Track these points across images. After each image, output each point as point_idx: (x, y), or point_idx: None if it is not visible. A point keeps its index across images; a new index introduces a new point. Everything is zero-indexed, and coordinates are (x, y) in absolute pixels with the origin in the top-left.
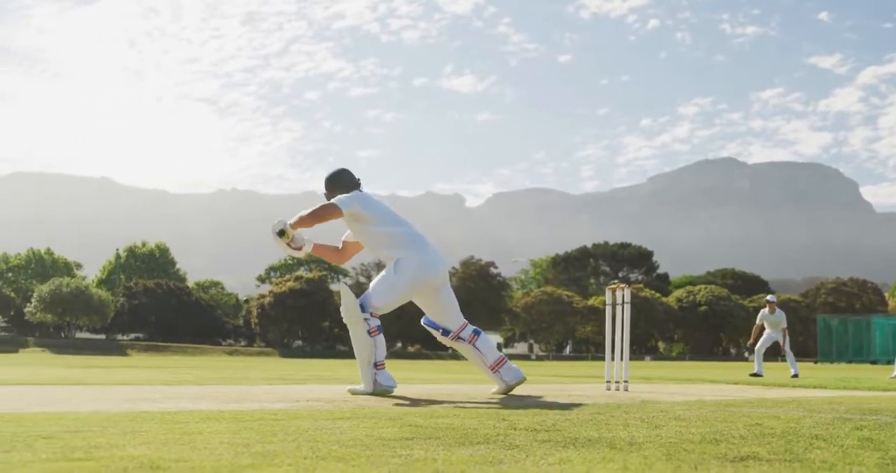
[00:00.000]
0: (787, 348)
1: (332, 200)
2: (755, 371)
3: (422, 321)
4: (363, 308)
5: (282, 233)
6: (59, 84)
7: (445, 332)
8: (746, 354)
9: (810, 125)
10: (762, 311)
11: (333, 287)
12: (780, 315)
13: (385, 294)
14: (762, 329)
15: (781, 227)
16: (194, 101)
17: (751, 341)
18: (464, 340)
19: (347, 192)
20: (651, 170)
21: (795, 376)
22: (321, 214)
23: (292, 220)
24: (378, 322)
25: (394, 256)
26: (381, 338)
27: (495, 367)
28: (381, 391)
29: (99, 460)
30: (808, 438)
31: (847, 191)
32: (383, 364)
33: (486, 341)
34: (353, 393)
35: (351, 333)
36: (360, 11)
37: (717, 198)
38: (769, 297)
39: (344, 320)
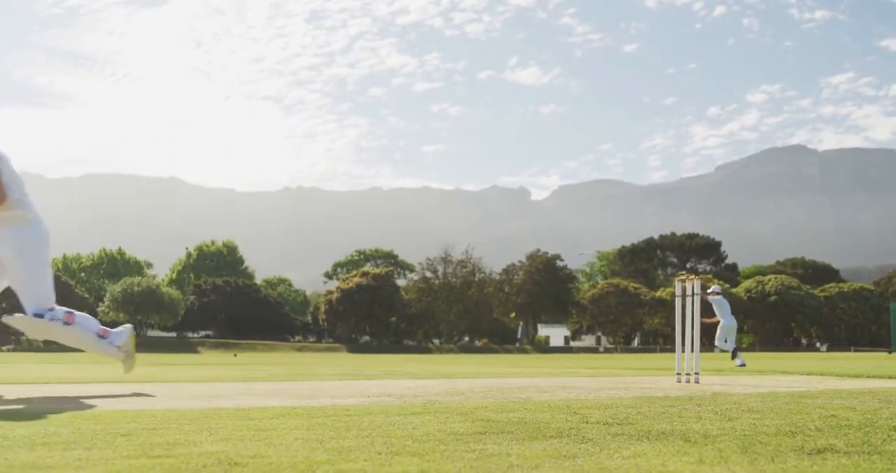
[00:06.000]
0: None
1: None
2: (740, 363)
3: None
4: (41, 315)
5: None
6: (129, 86)
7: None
8: (818, 344)
9: (882, 110)
10: None
11: (400, 282)
12: (712, 301)
13: (43, 283)
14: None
15: (852, 215)
16: (260, 100)
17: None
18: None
19: None
20: (719, 159)
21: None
22: None
23: None
24: (62, 310)
25: (10, 227)
26: (79, 316)
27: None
28: (127, 348)
29: (178, 456)
30: (885, 430)
31: None
32: (106, 329)
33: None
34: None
35: (56, 339)
36: (424, 6)
37: (786, 186)
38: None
39: (38, 339)
